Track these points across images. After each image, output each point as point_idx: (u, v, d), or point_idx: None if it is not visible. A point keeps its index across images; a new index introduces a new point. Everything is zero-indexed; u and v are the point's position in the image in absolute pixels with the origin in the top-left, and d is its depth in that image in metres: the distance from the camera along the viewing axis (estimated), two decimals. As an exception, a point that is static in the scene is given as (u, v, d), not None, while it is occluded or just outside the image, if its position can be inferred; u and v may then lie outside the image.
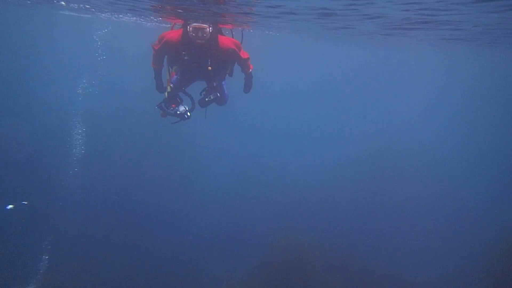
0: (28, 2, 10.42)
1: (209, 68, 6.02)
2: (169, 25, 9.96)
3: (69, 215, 11.96)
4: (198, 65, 6.07)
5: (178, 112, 6.13)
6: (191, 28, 5.90)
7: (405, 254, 11.39)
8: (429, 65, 23.72)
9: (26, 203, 11.70)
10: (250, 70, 6.50)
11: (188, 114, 6.17)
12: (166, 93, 6.16)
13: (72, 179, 13.11)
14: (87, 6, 10.49)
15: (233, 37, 6.51)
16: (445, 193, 15.42)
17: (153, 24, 12.00)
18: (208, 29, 5.92)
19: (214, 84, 6.32)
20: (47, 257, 10.34)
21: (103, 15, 11.81)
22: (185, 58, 6.01)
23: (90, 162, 14.00)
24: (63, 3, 10.35)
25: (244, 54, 6.32)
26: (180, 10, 7.91)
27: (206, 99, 6.19)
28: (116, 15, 11.64)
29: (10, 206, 11.26)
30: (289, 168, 17.41)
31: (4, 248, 10.42)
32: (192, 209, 13.46)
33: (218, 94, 6.26)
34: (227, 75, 6.53)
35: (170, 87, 6.19)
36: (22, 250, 10.50)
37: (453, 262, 11.13)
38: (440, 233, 12.62)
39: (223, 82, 6.63)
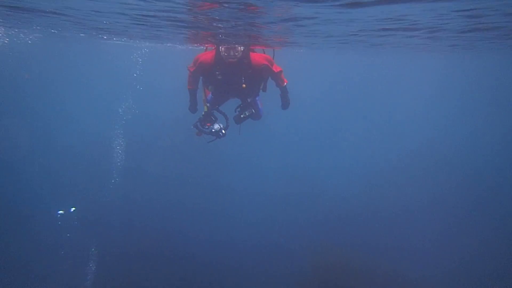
0: (68, 35, 11.19)
1: (244, 85, 6.23)
2: (202, 48, 10.48)
3: (114, 224, 12.54)
4: (232, 83, 6.30)
5: (213, 130, 6.26)
6: (223, 48, 6.21)
7: (423, 254, 11.38)
8: (427, 69, 23.53)
9: (74, 209, 12.53)
10: (285, 84, 6.63)
11: (223, 132, 6.29)
12: (203, 112, 6.38)
13: (114, 191, 13.88)
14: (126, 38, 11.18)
15: (264, 53, 6.82)
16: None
17: (187, 47, 12.54)
18: (239, 47, 6.21)
19: (249, 101, 6.51)
20: (94, 265, 10.95)
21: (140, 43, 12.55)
22: (219, 77, 6.24)
23: (133, 175, 14.81)
24: (105, 37, 11.08)
25: (276, 68, 6.50)
26: (211, 38, 8.27)
27: (242, 116, 6.36)
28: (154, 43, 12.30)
29: (60, 212, 12.11)
30: (320, 176, 17.55)
31: (52, 252, 11.05)
32: (230, 224, 13.63)
33: (253, 110, 6.42)
34: (260, 90, 6.75)
35: (207, 106, 6.42)
36: (71, 254, 11.10)
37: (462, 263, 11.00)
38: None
39: (257, 98, 6.83)
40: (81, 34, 10.47)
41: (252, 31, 6.90)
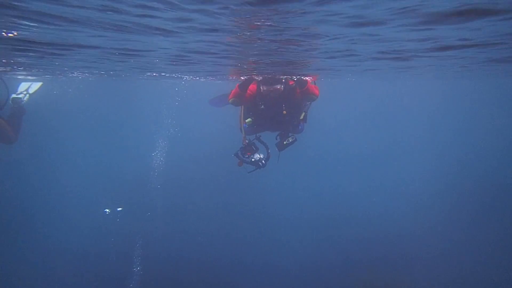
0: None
1: (284, 112, 6.31)
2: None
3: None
4: (274, 112, 6.39)
5: (253, 160, 6.23)
6: (264, 88, 6.38)
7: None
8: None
9: (121, 208, 12.84)
10: (315, 94, 6.53)
11: (263, 162, 6.25)
12: (243, 142, 6.41)
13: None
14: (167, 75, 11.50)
15: None
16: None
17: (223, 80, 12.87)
18: (280, 87, 6.32)
19: (290, 128, 6.56)
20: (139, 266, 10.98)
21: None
22: (261, 107, 6.39)
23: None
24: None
25: (308, 82, 6.54)
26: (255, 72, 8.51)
27: (285, 143, 6.38)
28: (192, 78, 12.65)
29: (107, 210, 12.47)
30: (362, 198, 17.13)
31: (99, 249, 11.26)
32: (272, 249, 13.68)
33: (296, 139, 6.43)
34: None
35: (245, 138, 6.46)
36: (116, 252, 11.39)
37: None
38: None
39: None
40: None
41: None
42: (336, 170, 21.51)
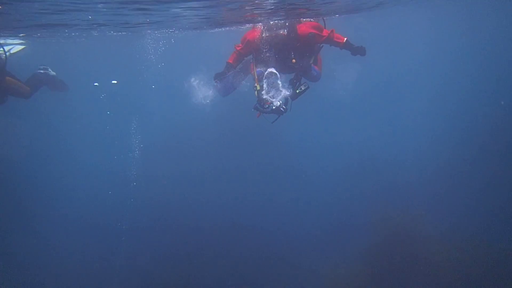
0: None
1: (293, 60, 6.07)
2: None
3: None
4: (281, 59, 6.14)
5: (274, 108, 5.98)
6: (266, 28, 6.16)
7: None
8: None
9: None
10: (344, 41, 6.29)
11: (284, 107, 6.03)
12: (255, 92, 6.14)
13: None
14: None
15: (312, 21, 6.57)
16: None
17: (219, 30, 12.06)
18: (283, 32, 6.08)
19: (301, 75, 6.31)
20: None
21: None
22: (267, 54, 6.13)
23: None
24: (149, 31, 10.88)
25: (326, 32, 6.24)
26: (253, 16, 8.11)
27: (297, 91, 6.15)
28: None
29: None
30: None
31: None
32: (288, 206, 13.64)
33: (308, 85, 6.20)
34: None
35: (259, 85, 6.13)
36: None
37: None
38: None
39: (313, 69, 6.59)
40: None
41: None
42: (332, 119, 21.04)
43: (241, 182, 14.64)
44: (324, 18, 7.43)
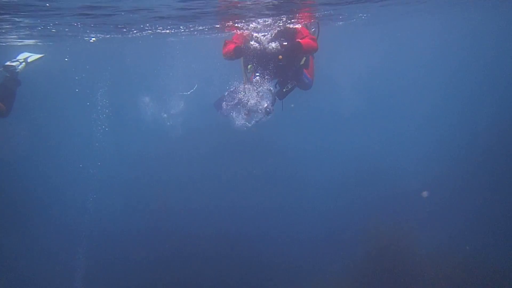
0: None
1: (280, 57, 5.81)
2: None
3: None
4: (268, 58, 5.95)
5: (260, 108, 5.85)
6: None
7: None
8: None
9: None
10: (300, 40, 5.82)
11: (271, 107, 5.91)
12: (243, 94, 5.98)
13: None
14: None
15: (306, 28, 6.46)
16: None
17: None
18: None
19: (289, 75, 6.14)
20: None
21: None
22: (258, 52, 5.96)
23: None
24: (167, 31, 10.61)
25: (306, 33, 6.02)
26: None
27: (284, 90, 6.02)
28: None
29: None
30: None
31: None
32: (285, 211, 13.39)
33: (295, 82, 6.07)
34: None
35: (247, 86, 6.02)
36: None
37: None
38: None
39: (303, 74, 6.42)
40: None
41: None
42: (331, 126, 20.62)
43: (239, 188, 14.38)
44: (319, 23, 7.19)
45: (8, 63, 7.13)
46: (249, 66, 6.15)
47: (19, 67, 7.28)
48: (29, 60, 7.52)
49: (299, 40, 5.82)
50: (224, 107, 6.06)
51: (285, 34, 6.09)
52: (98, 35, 10.06)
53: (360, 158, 16.32)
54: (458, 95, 21.23)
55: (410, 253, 9.85)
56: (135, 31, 9.79)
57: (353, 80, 23.25)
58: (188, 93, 14.30)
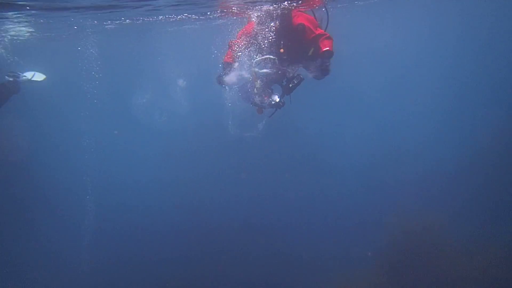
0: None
1: (281, 50, 5.66)
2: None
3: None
4: (272, 49, 5.75)
5: (273, 103, 5.86)
6: (258, 27, 5.77)
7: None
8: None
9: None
10: (324, 49, 5.55)
11: (283, 101, 5.90)
12: (255, 89, 5.87)
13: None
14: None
15: (313, 15, 6.03)
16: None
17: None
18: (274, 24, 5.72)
19: (290, 68, 5.92)
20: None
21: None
22: (261, 43, 5.76)
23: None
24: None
25: (317, 30, 5.67)
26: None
27: (290, 85, 5.85)
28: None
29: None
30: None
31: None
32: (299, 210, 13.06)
33: (302, 77, 5.82)
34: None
35: (258, 82, 5.85)
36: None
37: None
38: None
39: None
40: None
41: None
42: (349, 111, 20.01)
43: (259, 178, 14.11)
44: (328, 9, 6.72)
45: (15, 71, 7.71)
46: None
47: (23, 77, 7.86)
48: (32, 78, 8.06)
49: (327, 48, 5.46)
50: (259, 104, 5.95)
51: (288, 30, 5.73)
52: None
53: (383, 141, 15.82)
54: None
55: (440, 243, 9.48)
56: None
57: (374, 64, 22.34)
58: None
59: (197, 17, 10.13)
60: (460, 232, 9.73)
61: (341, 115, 19.39)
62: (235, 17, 9.20)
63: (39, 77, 8.29)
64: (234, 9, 8.12)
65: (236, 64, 6.16)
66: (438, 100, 19.14)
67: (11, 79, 7.62)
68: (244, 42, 6.00)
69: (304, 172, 14.55)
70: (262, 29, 5.80)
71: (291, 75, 5.93)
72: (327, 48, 5.49)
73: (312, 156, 15.49)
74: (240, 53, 6.18)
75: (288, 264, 10.73)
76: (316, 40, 5.63)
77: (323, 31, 5.75)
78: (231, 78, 6.15)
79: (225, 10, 8.95)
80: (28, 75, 8.10)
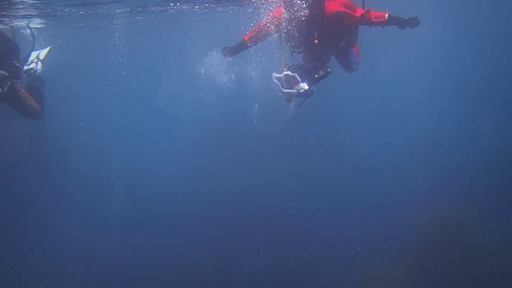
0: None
1: (315, 41, 5.37)
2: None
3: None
4: (304, 39, 5.50)
5: (302, 91, 5.55)
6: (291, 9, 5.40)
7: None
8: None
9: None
10: (384, 18, 5.26)
11: (312, 90, 5.61)
12: (282, 76, 5.61)
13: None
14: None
15: None
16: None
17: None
18: (304, 13, 5.35)
19: (323, 59, 5.68)
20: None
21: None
22: (291, 32, 5.50)
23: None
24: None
25: (359, 12, 5.36)
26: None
27: (316, 76, 5.58)
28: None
29: None
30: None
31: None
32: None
33: (329, 69, 5.58)
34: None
35: (286, 69, 5.68)
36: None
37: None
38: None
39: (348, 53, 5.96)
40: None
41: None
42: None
43: (285, 172, 14.10)
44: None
45: (25, 67, 6.97)
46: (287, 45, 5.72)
47: (38, 67, 7.23)
48: (41, 57, 7.43)
49: (382, 15, 5.23)
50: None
51: (322, 19, 5.40)
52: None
53: (414, 134, 15.41)
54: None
55: (471, 244, 9.16)
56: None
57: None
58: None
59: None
60: (491, 230, 9.42)
61: (367, 108, 18.81)
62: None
63: (44, 51, 7.60)
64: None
65: (249, 44, 6.02)
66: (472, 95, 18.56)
67: (31, 78, 7.01)
68: (271, 26, 5.76)
69: (329, 163, 14.35)
70: (292, 17, 5.46)
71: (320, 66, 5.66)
72: (388, 13, 5.24)
73: (340, 149, 15.24)
74: (263, 37, 5.92)
75: (312, 255, 10.66)
76: (366, 20, 5.32)
77: (363, 10, 5.40)
78: (235, 51, 6.08)
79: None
80: (33, 58, 7.33)
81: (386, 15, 5.27)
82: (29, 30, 6.99)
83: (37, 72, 7.12)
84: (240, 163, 14.68)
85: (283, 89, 5.55)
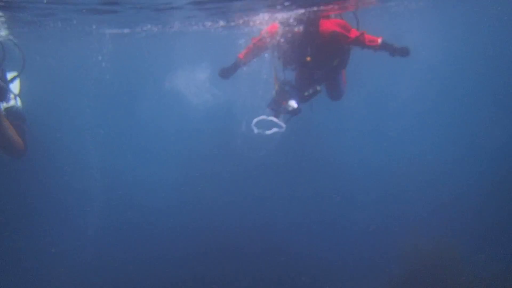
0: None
1: (308, 58, 5.37)
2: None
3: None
4: (297, 56, 5.52)
5: (289, 109, 5.59)
6: (284, 30, 5.52)
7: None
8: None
9: None
10: (378, 42, 5.26)
11: (300, 107, 5.63)
12: (274, 92, 5.72)
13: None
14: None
15: (342, 19, 5.84)
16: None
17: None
18: (298, 29, 5.50)
19: (315, 77, 5.73)
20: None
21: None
22: (285, 49, 5.54)
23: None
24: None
25: (354, 33, 5.38)
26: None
27: (305, 94, 5.60)
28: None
29: None
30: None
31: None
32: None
33: (318, 88, 5.61)
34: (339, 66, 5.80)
35: (278, 85, 5.75)
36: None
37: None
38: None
39: (339, 75, 6.03)
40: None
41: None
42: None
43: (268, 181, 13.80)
44: (357, 12, 6.41)
45: (4, 105, 6.27)
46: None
47: (18, 103, 6.61)
48: (16, 92, 6.68)
49: (376, 40, 5.24)
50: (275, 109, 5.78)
51: (316, 38, 5.45)
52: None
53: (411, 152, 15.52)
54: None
55: (456, 274, 9.02)
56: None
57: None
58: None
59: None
60: (477, 265, 9.26)
61: (360, 122, 18.88)
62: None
63: (15, 82, 6.78)
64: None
65: (245, 61, 5.97)
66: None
67: (12, 116, 6.22)
68: (265, 42, 5.78)
69: (320, 177, 14.19)
70: (286, 33, 5.53)
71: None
72: (381, 38, 5.22)
73: (332, 162, 15.25)
74: (257, 53, 5.93)
75: (297, 269, 10.35)
76: (359, 42, 5.33)
77: (357, 32, 5.44)
78: (233, 71, 5.99)
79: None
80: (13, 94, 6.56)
81: (379, 40, 5.27)
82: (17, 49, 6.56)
83: (19, 109, 6.54)
84: (227, 172, 14.46)
85: (271, 105, 5.57)
